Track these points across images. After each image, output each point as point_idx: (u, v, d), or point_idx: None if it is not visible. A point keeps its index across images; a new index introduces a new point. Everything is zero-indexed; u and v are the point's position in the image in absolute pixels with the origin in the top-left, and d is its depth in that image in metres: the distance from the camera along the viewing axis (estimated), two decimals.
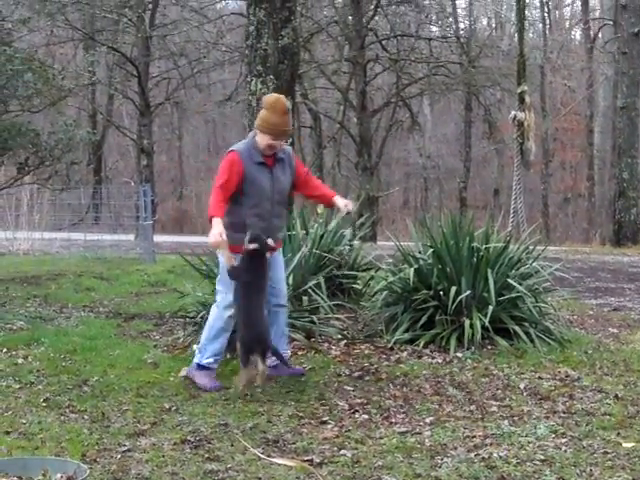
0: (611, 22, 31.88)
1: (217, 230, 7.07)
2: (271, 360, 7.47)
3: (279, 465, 5.48)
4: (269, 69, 11.88)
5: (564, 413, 6.63)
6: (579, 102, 40.22)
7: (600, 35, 39.59)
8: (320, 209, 11.30)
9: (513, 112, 12.47)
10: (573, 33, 46.05)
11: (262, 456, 5.62)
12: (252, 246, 7.04)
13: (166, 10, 33.55)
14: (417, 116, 38.80)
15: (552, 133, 41.10)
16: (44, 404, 6.87)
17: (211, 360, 7.49)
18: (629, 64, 27.48)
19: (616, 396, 7.05)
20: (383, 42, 33.01)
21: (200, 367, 7.50)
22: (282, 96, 7.63)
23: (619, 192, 27.46)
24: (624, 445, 5.85)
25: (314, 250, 10.03)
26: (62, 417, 6.53)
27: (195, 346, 7.93)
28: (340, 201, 7.68)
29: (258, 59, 11.90)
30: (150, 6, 32.30)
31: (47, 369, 7.97)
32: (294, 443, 5.94)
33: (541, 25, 42.52)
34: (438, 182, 46.73)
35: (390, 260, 10.23)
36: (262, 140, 7.31)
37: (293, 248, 9.58)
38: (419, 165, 45.26)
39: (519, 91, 12.50)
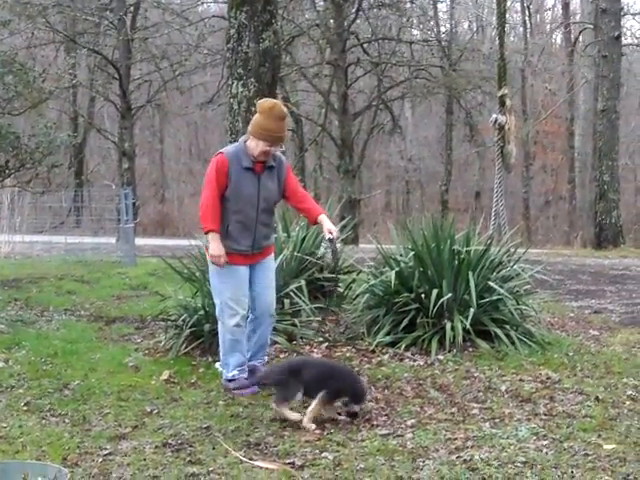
0: (591, 26, 31.96)
1: (217, 245, 7.16)
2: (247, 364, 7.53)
3: (261, 468, 5.48)
4: (250, 72, 11.89)
5: (545, 415, 6.65)
6: (560, 105, 40.33)
7: (580, 39, 39.72)
8: None
9: (494, 115, 12.52)
10: (554, 37, 46.19)
11: (244, 459, 5.62)
12: None
13: (147, 13, 33.44)
14: (398, 119, 38.85)
15: (533, 136, 41.20)
16: (25, 408, 6.85)
17: (236, 372, 7.44)
18: (609, 67, 27.62)
19: (597, 398, 7.07)
20: (364, 45, 33.01)
21: (229, 381, 7.47)
22: (279, 102, 7.61)
23: (600, 195, 27.57)
24: (605, 447, 5.87)
25: (295, 253, 10.04)
26: (43, 421, 6.51)
27: (217, 364, 7.88)
28: (326, 224, 7.50)
29: (239, 62, 11.91)
30: (131, 9, 32.22)
31: (28, 373, 7.95)
32: (276, 446, 5.94)
33: (522, 29, 42.62)
34: (419, 185, 46.84)
35: (372, 263, 10.25)
36: (256, 146, 7.23)
37: (275, 251, 9.57)
38: (401, 168, 45.32)
39: (500, 94, 12.54)
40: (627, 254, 23.33)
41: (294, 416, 6.38)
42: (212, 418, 6.58)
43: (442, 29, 38.84)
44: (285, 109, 7.43)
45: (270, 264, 7.68)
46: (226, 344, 7.47)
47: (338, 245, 10.97)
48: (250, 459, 5.63)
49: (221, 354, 7.59)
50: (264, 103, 7.43)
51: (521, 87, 38.20)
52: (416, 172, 45.59)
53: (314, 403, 6.43)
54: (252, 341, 7.61)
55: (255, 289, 7.49)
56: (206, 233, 7.23)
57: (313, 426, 6.31)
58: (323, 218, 7.56)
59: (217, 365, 7.91)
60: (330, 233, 7.47)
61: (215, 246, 7.17)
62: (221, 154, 7.33)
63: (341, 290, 10.45)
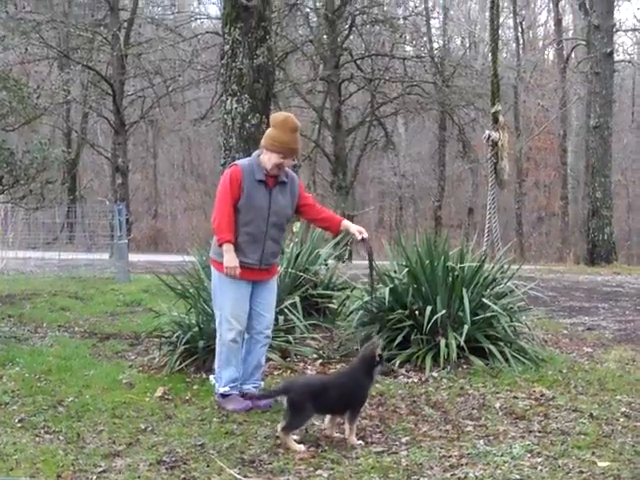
0: (584, 42, 32.10)
1: (232, 256, 7.17)
2: (241, 389, 7.51)
3: None
4: (244, 88, 11.91)
5: (539, 432, 6.65)
6: (552, 121, 40.47)
7: (573, 55, 39.93)
8: (295, 227, 11.32)
9: (487, 132, 12.55)
10: (546, 53, 46.39)
11: (238, 476, 5.61)
12: None
13: (141, 29, 33.53)
14: (392, 135, 38.88)
15: (526, 152, 41.33)
16: (19, 425, 6.83)
17: (227, 388, 7.42)
18: (601, 84, 27.74)
19: (591, 415, 7.08)
20: (358, 61, 33.08)
21: (222, 396, 7.44)
22: (291, 115, 7.62)
23: (592, 211, 27.64)
24: (599, 464, 5.87)
25: (290, 269, 10.05)
26: (37, 438, 6.49)
27: (212, 376, 7.86)
28: (353, 227, 7.54)
29: (233, 78, 11.93)
30: (125, 24, 32.29)
31: (22, 389, 7.93)
32: (270, 463, 5.93)
33: (515, 45, 42.78)
34: (413, 201, 46.90)
35: (365, 279, 10.25)
36: (270, 159, 7.25)
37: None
38: (394, 184, 45.37)
39: (493, 111, 12.57)
40: (620, 271, 23.35)
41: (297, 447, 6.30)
42: (206, 435, 6.57)
43: (435, 45, 38.99)
44: (297, 122, 7.44)
45: (274, 286, 7.67)
46: (222, 356, 7.46)
47: (332, 262, 11.05)
48: (245, 476, 5.62)
49: (216, 366, 7.57)
50: (277, 116, 7.51)
51: (514, 103, 38.31)
52: (409, 188, 45.65)
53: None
54: (246, 362, 7.56)
55: (256, 309, 7.46)
56: (221, 245, 7.21)
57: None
58: (347, 223, 7.64)
59: (211, 377, 7.90)
60: (360, 233, 7.47)
61: (230, 257, 7.17)
62: (235, 166, 7.35)
63: (335, 307, 10.46)
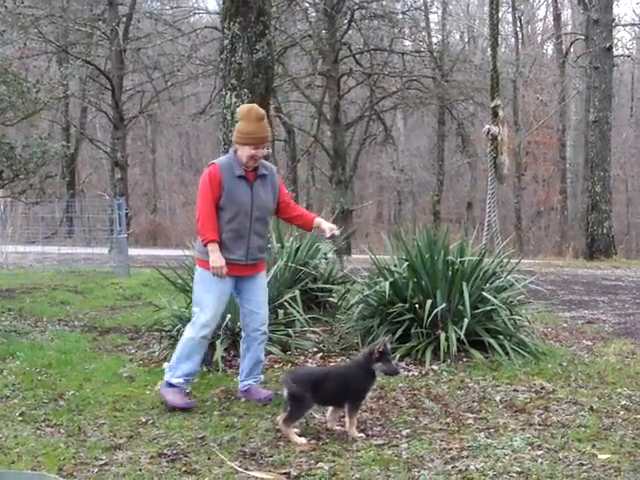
0: (583, 37, 32.13)
1: (218, 255, 7.10)
2: (242, 385, 7.49)
3: (256, 478, 5.48)
4: (243, 83, 11.90)
5: (540, 425, 6.66)
6: (551, 116, 40.47)
7: (572, 50, 39.92)
8: None
9: (486, 126, 12.53)
10: (545, 48, 46.43)
11: (239, 469, 5.62)
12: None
13: (140, 23, 33.50)
14: (391, 130, 38.89)
15: (525, 147, 41.32)
16: (20, 418, 6.84)
17: (181, 380, 7.34)
18: (600, 78, 27.74)
19: (591, 408, 7.09)
20: (357, 56, 33.07)
21: (170, 385, 7.34)
22: (254, 105, 7.60)
23: (592, 205, 27.67)
24: (600, 457, 5.88)
25: (290, 264, 10.05)
26: (38, 431, 6.50)
27: (166, 364, 7.76)
28: (325, 224, 7.51)
29: (232, 73, 11.92)
30: (124, 19, 32.26)
31: (23, 383, 7.94)
32: (271, 456, 5.93)
33: (514, 40, 42.76)
34: (412, 195, 46.93)
35: (365, 273, 10.27)
36: (243, 152, 7.22)
37: (269, 262, 9.59)
38: (393, 178, 45.41)
39: (492, 105, 12.56)
40: (619, 265, 23.40)
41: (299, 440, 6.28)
42: (207, 428, 6.58)
43: (434, 40, 38.96)
44: (262, 110, 7.38)
45: (263, 281, 7.61)
46: (185, 350, 7.33)
47: (331, 256, 11.06)
48: (246, 469, 5.63)
49: (174, 356, 7.42)
50: (242, 109, 7.41)
51: (513, 98, 38.30)
52: (408, 183, 45.67)
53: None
54: (246, 359, 7.55)
55: (249, 307, 7.43)
56: (205, 244, 7.15)
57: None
58: (319, 220, 7.58)
59: (165, 365, 7.78)
60: (331, 230, 7.44)
61: (216, 257, 7.11)
62: (213, 165, 7.30)
63: (335, 300, 10.47)
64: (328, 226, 7.50)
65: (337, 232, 7.50)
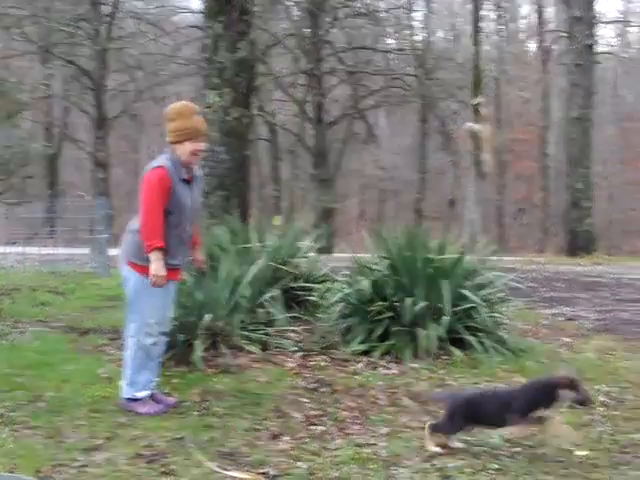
0: (565, 34, 32.16)
1: (161, 264, 6.83)
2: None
3: (234, 478, 5.47)
4: (226, 82, 11.91)
5: None
6: (534, 113, 40.55)
7: (555, 47, 39.99)
8: (276, 221, 11.33)
9: (468, 124, 12.58)
10: (528, 45, 46.49)
11: (217, 469, 5.61)
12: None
13: (123, 23, 33.45)
14: (373, 128, 38.91)
15: (507, 144, 41.40)
16: None
17: (146, 392, 7.16)
18: (583, 76, 27.88)
19: (569, 405, 7.10)
20: (340, 54, 33.08)
21: (133, 400, 7.14)
22: (184, 102, 7.37)
23: (573, 202, 27.79)
24: (577, 453, 5.92)
25: (270, 263, 10.05)
26: (16, 433, 6.46)
27: (121, 382, 7.33)
28: (199, 255, 7.47)
29: (215, 72, 11.92)
30: (107, 19, 32.19)
31: (1, 385, 7.89)
32: (249, 456, 5.92)
33: (496, 37, 42.84)
34: (394, 193, 46.95)
35: (346, 272, 10.27)
36: (185, 150, 7.02)
37: (250, 260, 9.59)
38: (375, 177, 45.41)
39: (474, 103, 12.61)
40: (600, 261, 23.47)
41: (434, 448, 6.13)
42: (185, 428, 6.55)
43: (417, 38, 39.00)
44: (194, 105, 7.25)
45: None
46: (137, 362, 7.14)
47: (312, 255, 11.05)
48: (224, 469, 5.62)
49: (128, 373, 7.18)
50: (173, 108, 7.18)
51: (495, 95, 38.38)
52: (390, 181, 45.69)
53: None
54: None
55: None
56: (150, 251, 6.82)
57: None
58: (198, 250, 7.54)
59: (121, 383, 7.34)
60: (200, 264, 7.56)
61: (160, 266, 6.82)
62: (162, 168, 6.96)
63: (316, 299, 10.46)
64: (201, 258, 7.50)
65: (204, 267, 7.65)
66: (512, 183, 44.94)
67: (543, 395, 6.09)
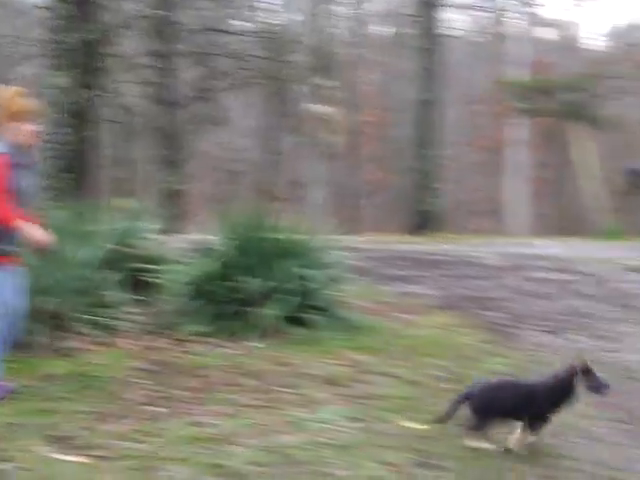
0: (413, 17, 32.56)
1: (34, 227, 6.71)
2: None
3: (68, 462, 5.41)
4: (70, 63, 11.72)
5: (357, 398, 6.79)
6: (382, 96, 41.11)
7: (404, 31, 40.50)
8: (125, 203, 11.20)
9: (318, 106, 12.65)
10: (379, 28, 46.95)
11: (51, 454, 5.53)
12: None
13: None
14: (223, 110, 38.76)
15: (357, 126, 41.82)
16: None
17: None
18: (429, 59, 28.40)
19: (406, 380, 7.27)
20: (189, 36, 32.77)
21: None
22: (11, 86, 7.23)
23: (419, 184, 28.33)
24: (413, 427, 6.07)
25: (114, 245, 9.93)
26: None
27: None
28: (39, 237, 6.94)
29: (59, 52, 11.72)
30: None
31: None
32: (85, 439, 5.85)
33: (347, 20, 43.13)
34: (244, 175, 46.91)
35: (191, 253, 10.23)
36: (20, 131, 6.75)
37: (94, 243, 9.47)
38: (225, 158, 45.28)
39: (324, 85, 12.68)
40: (446, 240, 23.91)
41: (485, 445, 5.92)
42: (21, 414, 6.40)
43: (269, 21, 38.88)
44: (17, 88, 7.03)
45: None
46: None
47: (159, 236, 10.95)
48: (58, 453, 5.55)
49: None
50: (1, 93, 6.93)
51: (345, 78, 38.69)
52: (241, 162, 45.64)
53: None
54: None
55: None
56: (12, 226, 6.62)
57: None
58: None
59: None
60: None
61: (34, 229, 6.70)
62: (4, 155, 6.68)
63: (161, 281, 10.37)
64: (41, 240, 6.96)
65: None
66: (362, 164, 45.43)
67: (564, 390, 5.95)
